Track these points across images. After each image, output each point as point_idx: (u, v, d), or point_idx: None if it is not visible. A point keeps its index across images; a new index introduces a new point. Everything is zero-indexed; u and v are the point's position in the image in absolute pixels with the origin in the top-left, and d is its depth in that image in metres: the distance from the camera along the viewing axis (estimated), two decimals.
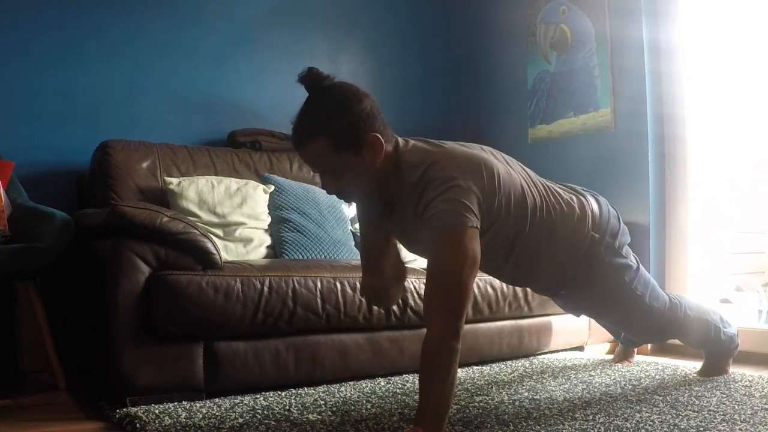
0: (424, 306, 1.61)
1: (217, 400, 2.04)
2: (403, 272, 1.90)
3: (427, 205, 1.57)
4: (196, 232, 2.07)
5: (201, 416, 1.84)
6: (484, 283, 2.57)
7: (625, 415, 1.82)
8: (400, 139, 1.68)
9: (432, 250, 1.58)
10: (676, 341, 2.58)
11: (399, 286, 1.91)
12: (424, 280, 2.36)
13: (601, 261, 1.94)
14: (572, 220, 1.87)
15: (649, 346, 3.02)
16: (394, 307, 2.36)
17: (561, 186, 1.97)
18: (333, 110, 1.56)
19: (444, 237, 1.56)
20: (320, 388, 2.21)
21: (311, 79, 1.58)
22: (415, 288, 2.41)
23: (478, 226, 1.59)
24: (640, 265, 2.07)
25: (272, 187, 2.87)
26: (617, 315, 2.16)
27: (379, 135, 1.58)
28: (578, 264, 1.92)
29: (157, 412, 1.85)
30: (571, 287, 2.00)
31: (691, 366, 2.54)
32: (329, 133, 1.55)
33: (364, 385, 2.27)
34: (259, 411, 1.91)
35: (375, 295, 1.86)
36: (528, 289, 2.64)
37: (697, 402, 1.97)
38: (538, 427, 1.73)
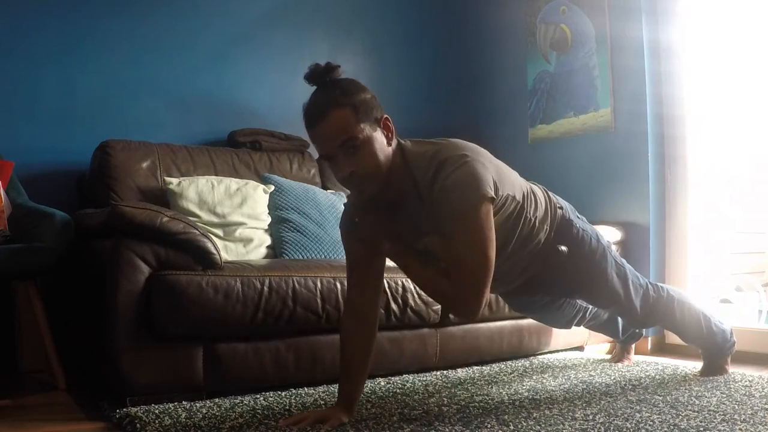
0: (451, 282, 1.65)
1: (217, 400, 2.04)
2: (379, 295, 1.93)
3: (445, 181, 1.62)
4: (196, 232, 2.07)
5: (201, 416, 1.84)
6: None
7: (625, 415, 1.82)
8: (399, 139, 1.73)
9: (453, 229, 1.62)
10: (676, 341, 2.59)
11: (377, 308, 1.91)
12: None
13: (577, 230, 2.00)
14: (543, 203, 1.94)
15: (649, 346, 3.02)
16: (394, 307, 2.37)
17: None
18: (351, 88, 1.64)
19: (465, 212, 1.60)
20: (320, 388, 2.21)
21: (323, 69, 1.64)
22: (414, 288, 2.41)
23: (494, 197, 1.65)
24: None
25: (272, 187, 2.87)
26: (602, 288, 2.10)
27: (389, 118, 1.68)
28: (557, 237, 1.95)
29: (157, 412, 1.85)
30: (553, 269, 1.98)
31: (691, 366, 2.54)
32: (350, 104, 1.61)
33: (364, 385, 2.26)
34: (259, 411, 1.91)
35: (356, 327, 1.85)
36: None
37: (697, 402, 1.97)
38: (538, 427, 1.73)
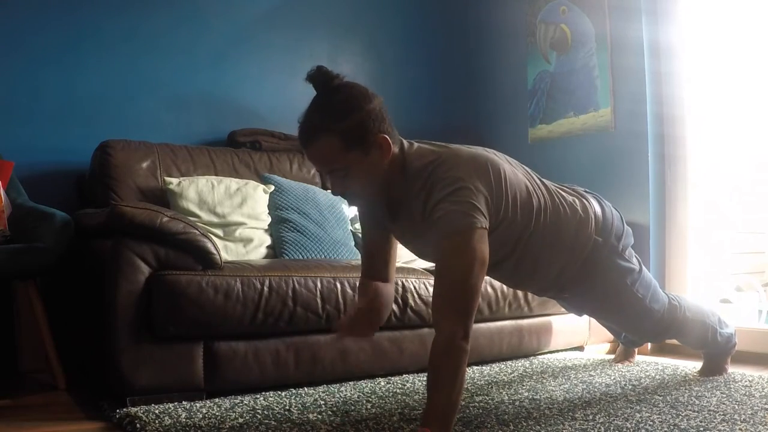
0: (433, 307, 1.60)
1: (217, 400, 2.04)
2: (391, 294, 1.88)
3: (435, 206, 1.57)
4: (196, 232, 2.07)
5: (201, 416, 1.84)
6: (484, 283, 2.55)
7: (625, 415, 1.82)
8: (405, 141, 1.68)
9: (440, 252, 1.57)
10: (676, 341, 2.59)
11: (389, 305, 1.87)
12: (426, 280, 2.41)
13: (603, 264, 1.94)
14: (575, 223, 1.87)
15: (649, 346, 3.02)
16: (394, 307, 2.36)
17: (564, 188, 1.96)
18: (343, 109, 1.55)
19: (453, 238, 1.54)
20: (320, 388, 2.21)
21: (321, 77, 1.57)
22: (414, 288, 2.41)
23: (487, 227, 1.58)
24: (643, 267, 2.06)
25: (272, 187, 2.87)
26: (617, 316, 2.17)
27: (387, 136, 1.58)
28: (580, 267, 1.91)
29: (157, 412, 1.85)
30: (572, 290, 1.99)
31: (691, 366, 2.54)
32: (339, 131, 1.53)
33: (364, 385, 2.27)
34: (259, 411, 1.91)
35: (366, 320, 1.80)
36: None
37: (697, 402, 1.97)
38: (538, 427, 1.73)
